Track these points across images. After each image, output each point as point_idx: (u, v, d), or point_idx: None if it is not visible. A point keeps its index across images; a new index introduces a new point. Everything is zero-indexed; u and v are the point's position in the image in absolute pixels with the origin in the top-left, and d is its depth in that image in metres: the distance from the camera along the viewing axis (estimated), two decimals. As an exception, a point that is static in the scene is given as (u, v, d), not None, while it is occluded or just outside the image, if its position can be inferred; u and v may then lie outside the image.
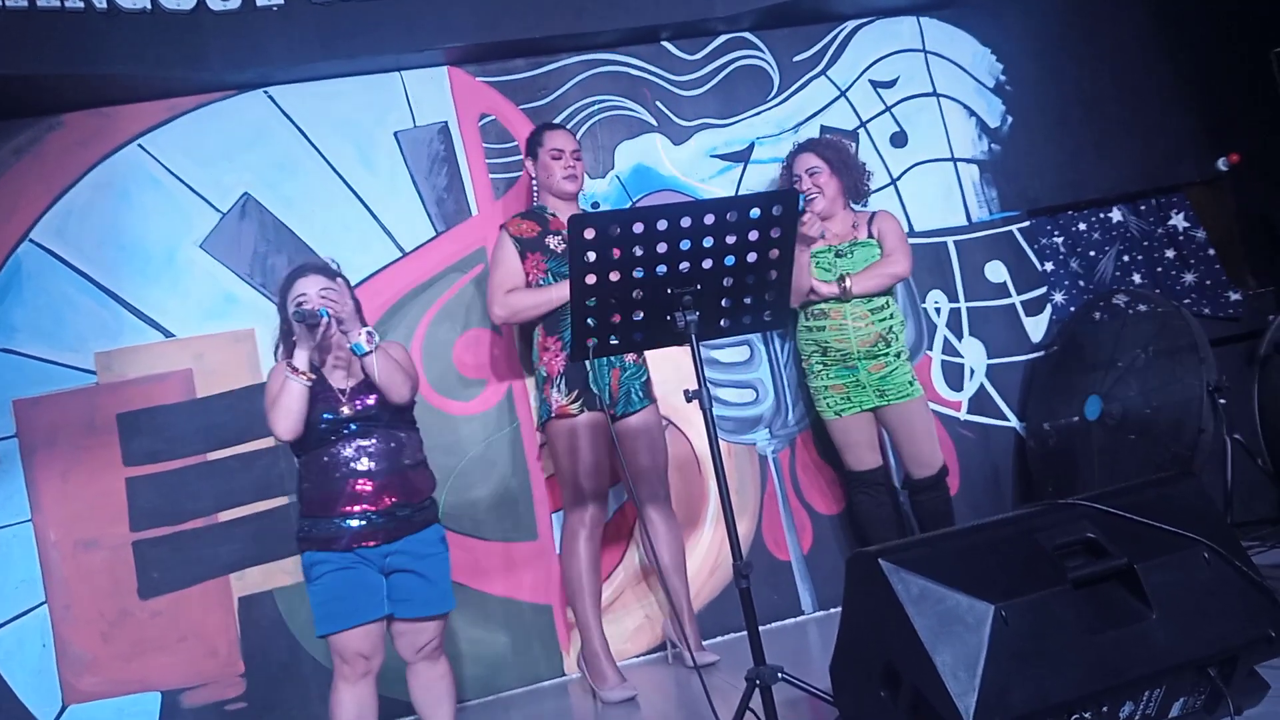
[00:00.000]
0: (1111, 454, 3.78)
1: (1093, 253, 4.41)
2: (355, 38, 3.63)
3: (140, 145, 3.59)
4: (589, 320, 2.41)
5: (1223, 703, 2.06)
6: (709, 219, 2.35)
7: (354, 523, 2.53)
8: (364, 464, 2.56)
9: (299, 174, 3.70)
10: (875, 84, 4.27)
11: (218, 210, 3.62)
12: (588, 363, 3.21)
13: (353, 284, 2.82)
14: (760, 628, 2.35)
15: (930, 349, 4.15)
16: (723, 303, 2.48)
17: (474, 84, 3.89)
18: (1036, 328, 4.26)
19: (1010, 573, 2.04)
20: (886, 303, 3.58)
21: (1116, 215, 4.47)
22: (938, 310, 4.17)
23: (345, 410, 2.58)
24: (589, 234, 2.31)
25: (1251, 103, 4.50)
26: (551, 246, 3.33)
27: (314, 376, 2.55)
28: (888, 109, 4.26)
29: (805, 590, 3.89)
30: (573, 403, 3.22)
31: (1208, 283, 4.43)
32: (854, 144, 3.97)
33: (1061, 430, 3.98)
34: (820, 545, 3.93)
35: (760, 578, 3.69)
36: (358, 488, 2.54)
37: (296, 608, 3.47)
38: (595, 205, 3.89)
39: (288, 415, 2.52)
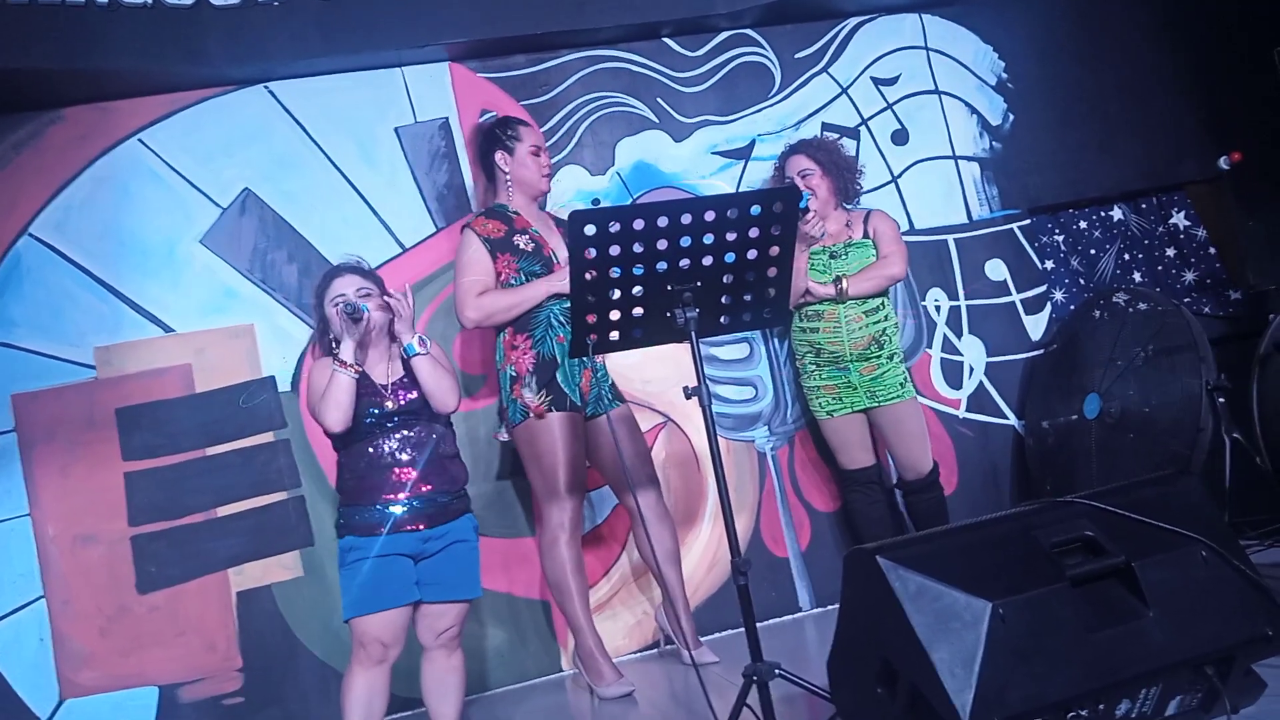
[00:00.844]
0: (1110, 452, 3.79)
1: (1093, 251, 4.41)
2: (356, 33, 3.62)
3: (140, 140, 3.59)
4: (589, 317, 2.41)
5: (1219, 701, 2.06)
6: (710, 216, 2.35)
7: (396, 509, 2.62)
8: (406, 455, 2.64)
9: (299, 169, 3.69)
10: (877, 81, 4.27)
11: (218, 205, 3.62)
12: (558, 361, 3.19)
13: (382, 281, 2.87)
14: (758, 624, 2.36)
15: (930, 347, 4.14)
16: (723, 300, 2.48)
17: (475, 80, 3.88)
18: (1036, 326, 4.26)
19: (1008, 570, 2.03)
20: (881, 304, 3.58)
21: (1117, 214, 4.47)
22: (938, 308, 4.17)
23: (389, 404, 2.66)
24: (589, 230, 2.30)
25: (1253, 101, 4.49)
26: (520, 246, 3.24)
27: (361, 369, 2.63)
28: (889, 106, 4.26)
29: (803, 587, 3.90)
30: (543, 401, 3.16)
31: (1208, 281, 4.43)
32: (843, 141, 3.95)
33: (1060, 428, 3.98)
34: (818, 542, 3.93)
35: (758, 574, 3.70)
36: (400, 476, 2.63)
37: (295, 603, 3.48)
38: (596, 202, 3.89)
39: (338, 408, 2.59)
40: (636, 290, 2.40)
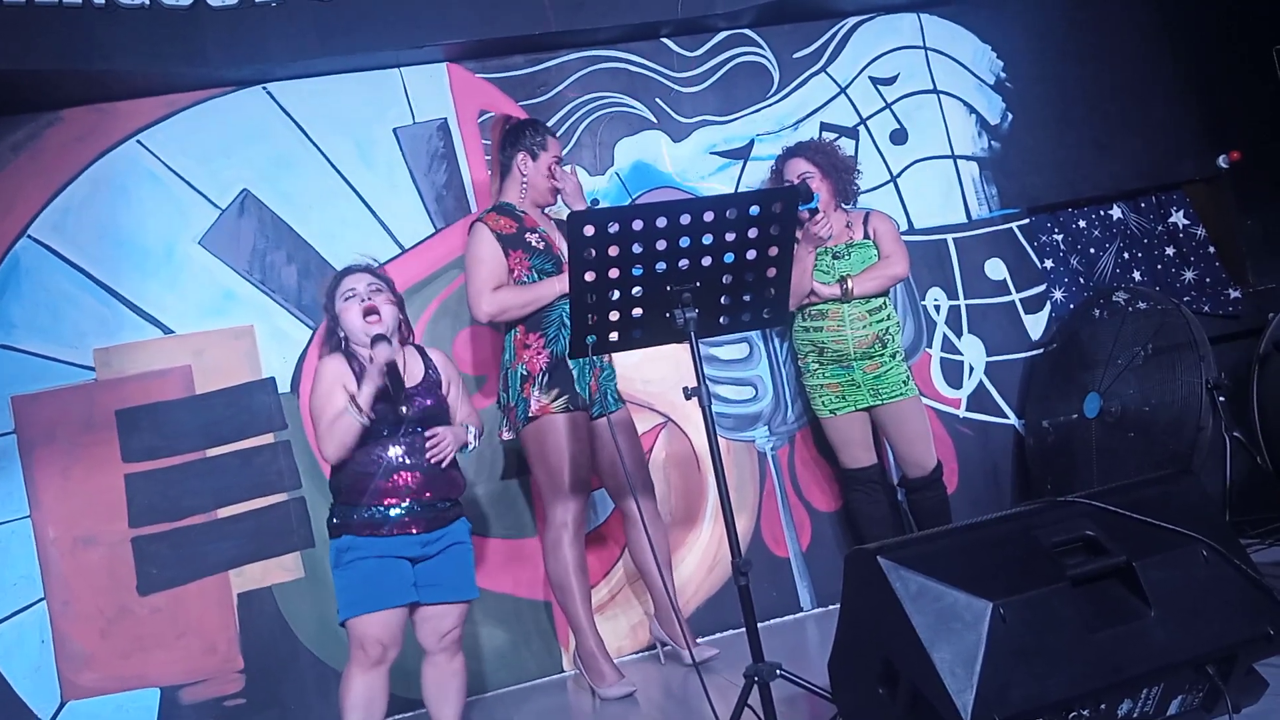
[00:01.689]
0: (1110, 451, 3.79)
1: (1092, 250, 4.41)
2: (354, 34, 3.62)
3: (139, 141, 3.59)
4: (588, 317, 2.41)
5: (1221, 700, 2.06)
6: (709, 216, 2.35)
7: (396, 511, 2.61)
8: (410, 459, 2.64)
9: (298, 170, 3.69)
10: (875, 81, 4.27)
11: (216, 207, 3.62)
12: (572, 362, 3.19)
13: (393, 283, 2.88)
14: (759, 625, 2.35)
15: (929, 346, 4.15)
16: (722, 300, 2.47)
17: (473, 80, 3.88)
18: (1036, 325, 4.26)
19: (1009, 570, 2.04)
20: (884, 303, 3.59)
21: (1116, 212, 4.47)
22: (937, 308, 4.17)
23: (404, 410, 2.65)
24: (588, 230, 2.30)
25: (1252, 100, 4.49)
26: (532, 243, 3.25)
27: (374, 416, 2.60)
28: (888, 106, 4.26)
29: (804, 587, 3.90)
30: (554, 401, 3.16)
31: (1207, 280, 4.43)
32: (840, 142, 3.96)
33: (1060, 428, 3.98)
34: (819, 542, 3.93)
35: (759, 575, 3.70)
36: (401, 480, 2.62)
37: (295, 604, 3.48)
38: (594, 202, 3.89)
39: (342, 447, 2.60)
40: (636, 291, 2.39)
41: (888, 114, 4.26)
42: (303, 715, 3.42)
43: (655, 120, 4.03)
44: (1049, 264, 4.34)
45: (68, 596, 3.35)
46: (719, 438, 2.45)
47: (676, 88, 4.07)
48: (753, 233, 2.40)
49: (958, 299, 4.19)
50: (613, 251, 2.33)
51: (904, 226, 4.14)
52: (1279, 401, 3.80)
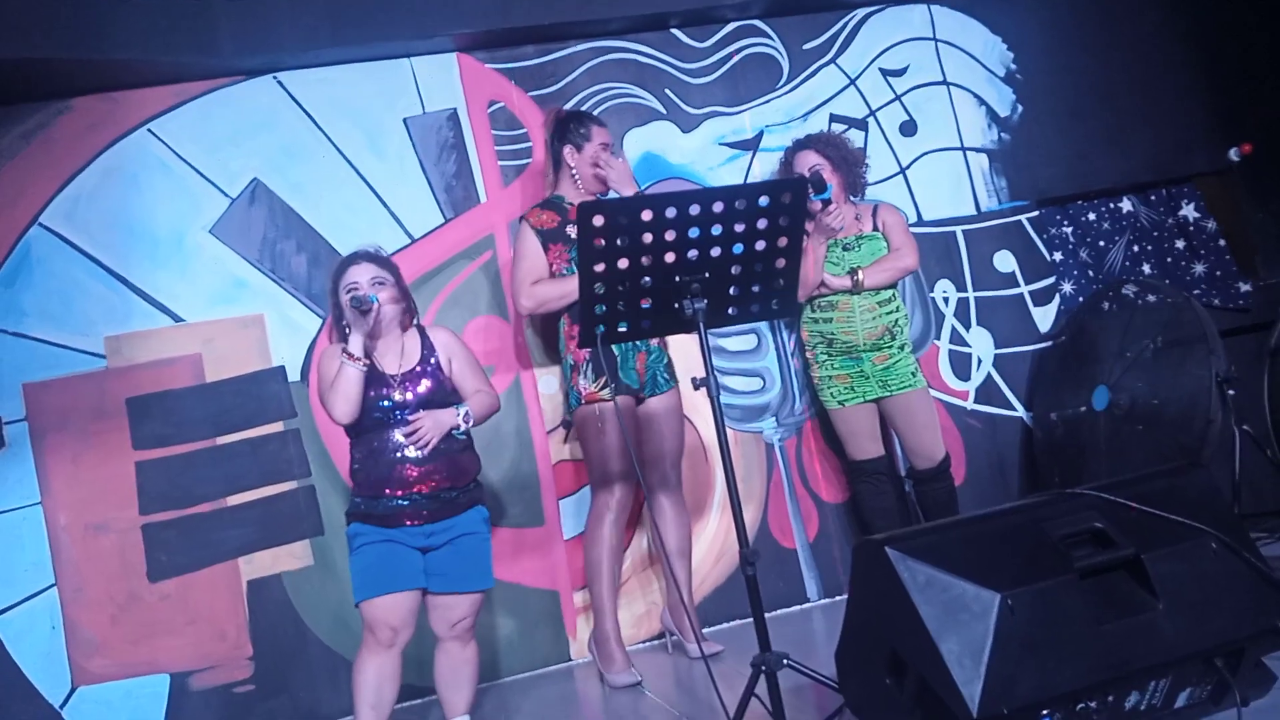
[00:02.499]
0: (1119, 445, 3.78)
1: (1102, 243, 4.40)
2: (365, 24, 3.62)
3: (150, 130, 3.60)
4: (597, 308, 2.41)
5: (1229, 694, 2.06)
6: (718, 207, 2.35)
7: (400, 503, 2.63)
8: (413, 449, 2.64)
9: (308, 160, 3.70)
10: (885, 72, 4.26)
11: (227, 196, 3.63)
12: (614, 349, 3.23)
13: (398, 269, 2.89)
14: (766, 615, 2.36)
15: (938, 339, 4.14)
16: (731, 291, 2.47)
17: (483, 70, 3.88)
18: (1045, 318, 4.25)
19: (1017, 562, 2.04)
20: (893, 295, 3.59)
21: (1126, 205, 4.45)
22: (945, 300, 4.16)
23: (397, 395, 2.66)
24: (597, 221, 2.30)
25: (1264, 93, 4.47)
26: (572, 236, 3.27)
27: (368, 362, 2.63)
28: (897, 97, 4.25)
29: (811, 578, 3.90)
30: (601, 389, 3.23)
31: (1218, 273, 4.41)
32: (849, 134, 3.95)
33: (1069, 420, 3.98)
34: (826, 533, 3.93)
35: (766, 565, 3.70)
36: (406, 472, 2.63)
37: (304, 591, 3.49)
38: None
39: (346, 400, 2.61)
40: (645, 281, 2.39)
41: (897, 106, 4.25)
42: (311, 702, 3.44)
43: (664, 111, 4.03)
44: (1058, 256, 4.33)
45: (78, 583, 3.37)
46: (726, 429, 2.45)
47: (686, 79, 4.07)
48: (762, 223, 2.40)
49: (966, 291, 4.19)
50: (622, 242, 2.33)
51: (913, 218, 4.13)
52: (1289, 395, 3.79)
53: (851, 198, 3.71)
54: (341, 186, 3.71)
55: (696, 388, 2.41)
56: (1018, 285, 4.25)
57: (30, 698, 3.28)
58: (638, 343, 3.27)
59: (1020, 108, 4.36)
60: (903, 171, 4.20)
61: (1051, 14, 4.42)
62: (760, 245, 2.42)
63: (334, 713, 3.42)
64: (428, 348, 2.81)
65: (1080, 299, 4.25)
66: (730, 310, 2.50)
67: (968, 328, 4.17)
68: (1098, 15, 4.48)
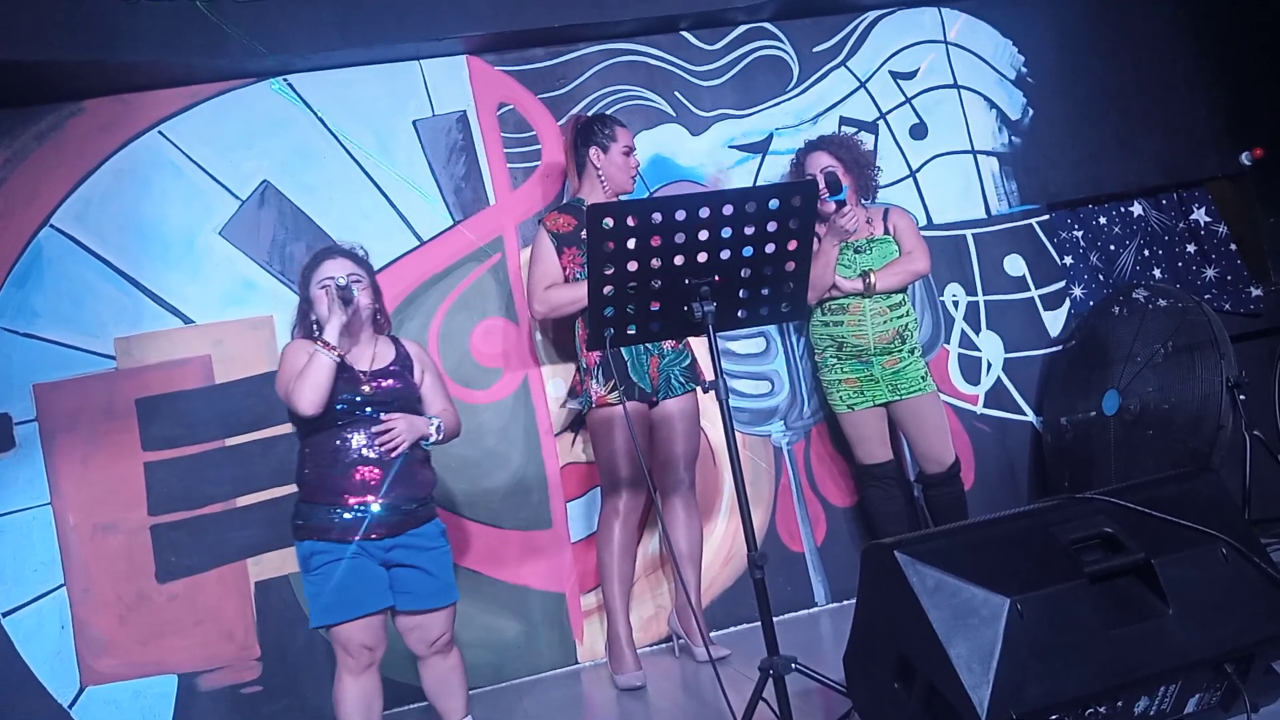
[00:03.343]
0: (1129, 449, 3.77)
1: (1113, 247, 4.38)
2: (374, 26, 3.63)
3: (161, 132, 3.61)
4: (605, 310, 2.41)
5: (1239, 699, 2.05)
6: (727, 210, 2.34)
7: (355, 514, 2.51)
8: (373, 453, 2.54)
9: (318, 162, 3.70)
10: (895, 75, 4.25)
11: (237, 197, 3.64)
12: (625, 353, 3.24)
13: (374, 270, 2.85)
14: (773, 619, 2.35)
15: (947, 342, 4.13)
16: (740, 294, 2.47)
17: (493, 73, 3.89)
18: (1055, 322, 4.24)
19: (1026, 566, 2.03)
20: (903, 299, 3.59)
21: (1137, 209, 4.44)
22: (955, 304, 4.15)
23: (365, 388, 2.58)
24: (607, 223, 2.30)
25: (1276, 96, 4.45)
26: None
27: (344, 352, 2.55)
28: (908, 100, 4.25)
29: (819, 582, 3.89)
30: (610, 392, 3.24)
31: (1229, 278, 4.40)
32: (861, 136, 3.95)
33: (1079, 425, 3.96)
34: (834, 537, 3.92)
35: (774, 569, 3.70)
36: (365, 477, 2.53)
37: (312, 593, 3.49)
38: (614, 195, 3.89)
39: (315, 389, 2.49)
40: (654, 283, 2.39)
41: (908, 108, 4.24)
42: (318, 704, 3.44)
43: (674, 114, 4.03)
44: (1069, 260, 4.31)
45: (87, 583, 3.38)
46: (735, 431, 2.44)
47: (695, 81, 4.07)
48: (771, 226, 2.40)
49: (976, 295, 4.18)
50: (631, 244, 2.33)
51: (923, 222, 4.12)
52: (1300, 400, 3.77)
53: (863, 201, 3.70)
54: (351, 188, 3.71)
55: (705, 390, 2.42)
56: (1028, 289, 4.23)
57: (40, 697, 3.29)
58: (650, 346, 3.27)
59: (1031, 111, 4.35)
60: (913, 175, 4.20)
61: (1063, 17, 4.41)
62: (770, 248, 2.41)
63: (341, 714, 3.42)
64: (401, 354, 2.75)
65: (1091, 303, 4.23)
66: (740, 313, 2.50)
67: (978, 331, 4.16)
68: (1109, 18, 4.47)
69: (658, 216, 2.32)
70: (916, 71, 4.27)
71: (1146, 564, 2.07)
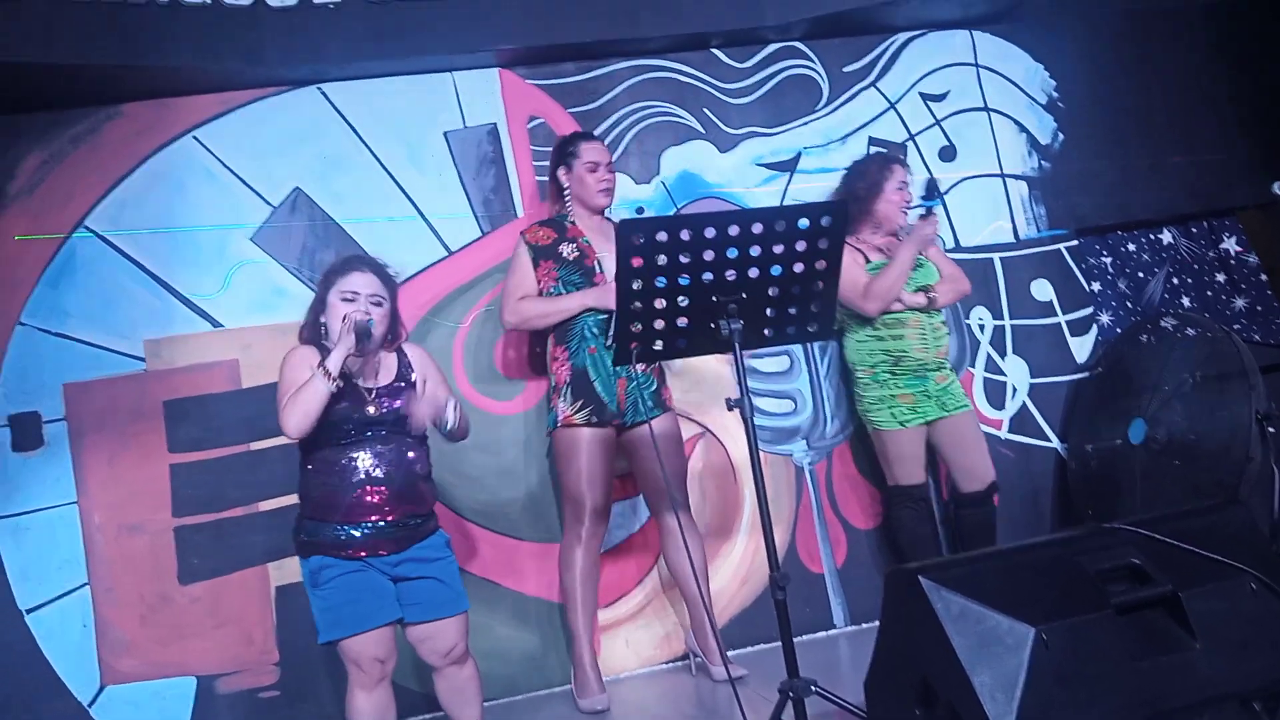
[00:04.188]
0: (1154, 479, 3.73)
1: (1141, 274, 4.36)
2: (409, 37, 3.66)
3: (195, 137, 3.65)
4: (633, 325, 2.42)
5: (1266, 737, 2.03)
6: (757, 228, 2.36)
7: (364, 532, 2.51)
8: (379, 472, 2.53)
9: (349, 170, 3.73)
10: (925, 97, 4.25)
11: (269, 204, 3.67)
12: (591, 372, 3.21)
13: (398, 283, 2.82)
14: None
15: (973, 366, 4.11)
16: (767, 312, 2.47)
17: (524, 86, 3.91)
18: (1082, 348, 4.21)
19: (1052, 595, 2.02)
20: (945, 318, 3.65)
21: (1167, 237, 4.41)
22: (981, 327, 4.13)
23: (371, 410, 2.55)
24: (637, 239, 2.31)
25: (1310, 127, 4.42)
26: (564, 255, 3.31)
27: (342, 384, 2.49)
28: (937, 122, 4.24)
29: (838, 604, 3.87)
30: (577, 413, 3.22)
31: (1259, 308, 4.36)
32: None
33: (1104, 453, 3.93)
34: (854, 559, 3.90)
35: (793, 590, 3.61)
36: (370, 497, 2.51)
37: (331, 599, 3.50)
38: (640, 210, 3.90)
39: (305, 416, 2.45)
40: (682, 300, 2.40)
41: (937, 130, 4.24)
42: (336, 710, 3.44)
43: (702, 130, 4.04)
44: (1097, 287, 4.29)
45: (110, 582, 3.40)
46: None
47: (725, 98, 4.08)
48: (801, 246, 2.40)
49: (1003, 319, 4.16)
50: (660, 260, 2.34)
51: (950, 244, 4.12)
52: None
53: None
54: (381, 198, 3.74)
55: (730, 408, 2.41)
56: (1055, 315, 4.21)
57: (60, 695, 3.31)
58: (618, 369, 3.21)
59: (1061, 135, 4.34)
60: (940, 197, 4.19)
61: (1095, 42, 4.40)
62: (799, 268, 2.42)
63: (357, 721, 3.43)
64: (404, 364, 2.72)
65: (1118, 330, 4.21)
66: (766, 331, 2.51)
67: (1003, 356, 4.14)
68: (1141, 44, 4.45)
69: (687, 234, 2.33)
70: (946, 94, 4.26)
71: (1174, 596, 2.05)
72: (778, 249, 2.39)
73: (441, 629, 2.59)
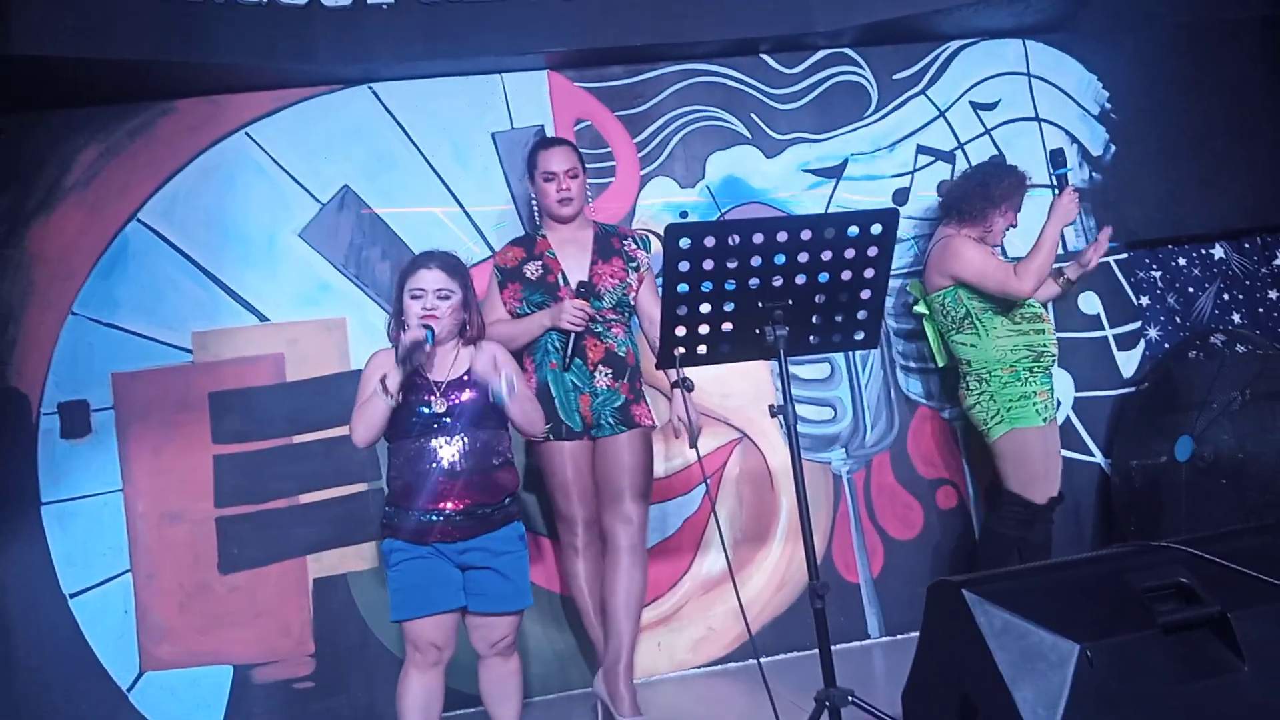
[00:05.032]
0: (1199, 497, 3.67)
1: (1191, 289, 4.29)
2: (459, 38, 3.69)
3: (247, 134, 3.70)
4: (677, 330, 2.41)
5: (1315, 765, 1.98)
6: (806, 234, 2.34)
7: (434, 519, 2.56)
8: (450, 461, 2.57)
9: (397, 169, 3.77)
10: (976, 105, 4.21)
11: (318, 201, 3.71)
12: (552, 388, 3.12)
13: (468, 268, 2.78)
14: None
15: (1016, 378, 4.06)
16: (814, 319, 2.46)
17: (572, 89, 3.93)
18: (1128, 363, 4.15)
19: (1098, 613, 1.99)
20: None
21: (1218, 252, 4.34)
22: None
23: (438, 406, 2.59)
24: (684, 243, 2.31)
25: (1368, 142, 4.33)
26: (528, 274, 3.20)
27: (400, 400, 2.55)
28: (987, 131, 4.20)
29: (873, 614, 3.84)
30: (547, 428, 3.08)
31: (1312, 327, 4.27)
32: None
33: (1149, 469, 3.87)
34: (891, 570, 3.87)
35: (828, 599, 3.64)
36: (441, 486, 2.56)
37: (369, 592, 3.54)
38: (684, 215, 3.90)
39: (369, 429, 2.57)
40: (727, 305, 2.40)
41: (986, 139, 4.20)
42: (369, 703, 3.48)
43: (749, 135, 4.03)
44: (1145, 301, 4.23)
45: (152, 570, 3.46)
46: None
47: (772, 104, 4.07)
48: (849, 253, 2.39)
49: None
50: (707, 265, 2.34)
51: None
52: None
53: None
54: (428, 197, 3.77)
55: (774, 415, 2.40)
56: (1102, 328, 4.15)
57: (101, 679, 3.37)
58: (580, 383, 3.13)
59: (1113, 147, 4.28)
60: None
61: (1149, 53, 4.33)
62: (846, 275, 2.40)
63: (391, 715, 3.44)
64: (478, 360, 2.70)
65: (1166, 345, 4.14)
66: (812, 339, 2.50)
67: (1047, 369, 4.09)
68: (1195, 56, 4.38)
69: (735, 239, 2.32)
70: (997, 102, 4.22)
71: (1222, 618, 2.01)
72: (826, 256, 2.37)
73: (496, 620, 2.64)
